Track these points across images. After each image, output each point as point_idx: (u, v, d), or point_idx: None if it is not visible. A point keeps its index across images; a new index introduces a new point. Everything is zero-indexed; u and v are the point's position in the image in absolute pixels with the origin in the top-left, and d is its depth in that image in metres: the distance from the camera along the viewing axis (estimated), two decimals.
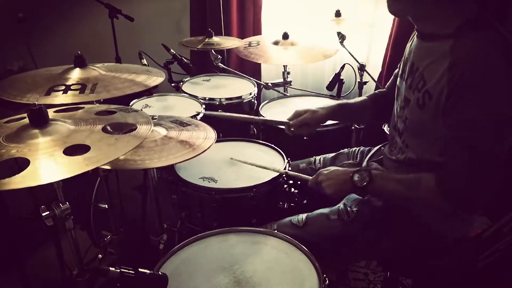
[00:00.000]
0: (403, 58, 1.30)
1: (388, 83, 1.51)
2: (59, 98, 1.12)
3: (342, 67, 2.14)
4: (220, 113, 1.71)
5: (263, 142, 1.73)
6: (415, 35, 1.21)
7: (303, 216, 1.35)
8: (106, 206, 1.54)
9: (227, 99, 2.07)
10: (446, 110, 1.04)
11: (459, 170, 1.05)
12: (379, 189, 1.18)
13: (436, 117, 1.07)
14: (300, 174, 1.40)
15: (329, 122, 1.83)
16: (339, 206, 1.35)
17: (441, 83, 1.04)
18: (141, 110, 1.17)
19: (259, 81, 2.28)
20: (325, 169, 1.29)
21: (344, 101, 1.57)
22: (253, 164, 1.50)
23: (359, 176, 1.18)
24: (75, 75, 1.24)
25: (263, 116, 1.96)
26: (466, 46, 1.01)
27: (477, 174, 1.03)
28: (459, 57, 1.01)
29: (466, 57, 0.99)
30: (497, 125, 0.99)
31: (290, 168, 1.52)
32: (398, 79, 1.29)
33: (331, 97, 2.16)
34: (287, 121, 1.53)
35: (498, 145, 1.01)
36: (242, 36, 2.70)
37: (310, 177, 1.33)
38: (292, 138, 1.70)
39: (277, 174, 1.45)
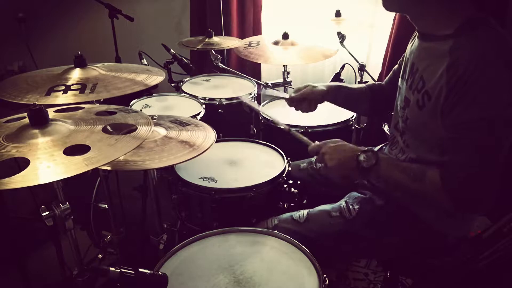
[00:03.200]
0: (404, 58, 1.30)
1: (386, 78, 1.51)
2: (59, 98, 1.12)
3: (342, 67, 2.14)
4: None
5: (263, 142, 1.73)
6: (416, 36, 1.21)
7: (304, 212, 1.35)
8: (106, 206, 1.54)
9: (227, 99, 2.07)
10: (444, 111, 1.04)
11: (459, 170, 1.04)
12: (383, 174, 1.15)
13: (435, 118, 1.07)
14: (303, 137, 1.34)
15: (329, 122, 1.84)
16: (340, 204, 1.35)
17: (440, 84, 1.04)
18: (141, 110, 1.17)
19: (259, 81, 2.28)
20: (331, 140, 1.23)
21: (343, 84, 1.56)
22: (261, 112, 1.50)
23: (365, 157, 1.15)
24: (75, 75, 1.24)
25: (262, 116, 1.96)
26: (465, 47, 1.01)
27: (478, 175, 1.03)
28: (458, 58, 1.01)
29: (465, 58, 0.99)
30: (497, 125, 0.99)
31: (290, 168, 1.52)
32: (400, 79, 1.29)
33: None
34: (288, 96, 1.53)
35: (499, 145, 1.01)
36: (242, 36, 2.70)
37: (312, 143, 1.27)
38: (292, 138, 1.70)
39: (276, 175, 1.45)
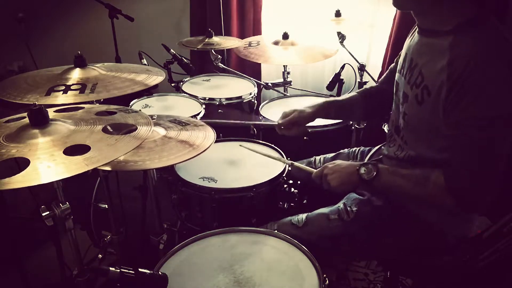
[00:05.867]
0: (401, 54, 1.30)
1: (382, 77, 1.51)
2: (59, 98, 1.12)
3: (342, 67, 2.14)
4: (216, 121, 1.64)
5: (263, 142, 1.73)
6: (415, 31, 1.21)
7: (303, 216, 1.35)
8: (106, 206, 1.54)
9: (227, 99, 2.07)
10: (447, 108, 1.04)
11: (460, 168, 1.05)
12: (385, 184, 1.17)
13: (435, 113, 1.07)
14: (305, 166, 1.39)
15: (329, 122, 1.84)
16: (339, 206, 1.35)
17: (440, 79, 1.04)
18: (141, 110, 1.17)
19: (259, 81, 2.28)
20: (330, 162, 1.28)
21: (332, 98, 1.56)
22: (260, 153, 1.48)
23: (365, 169, 1.18)
24: (75, 75, 1.24)
25: (262, 116, 1.97)
26: (466, 43, 1.01)
27: (480, 173, 1.03)
28: (459, 54, 1.01)
29: (466, 54, 0.99)
30: (498, 124, 0.99)
31: (290, 168, 1.52)
32: (397, 74, 1.29)
33: (331, 97, 2.16)
34: (276, 122, 1.51)
35: (500, 143, 1.01)
36: (242, 36, 2.70)
37: (315, 170, 1.31)
38: (292, 138, 1.70)
39: (276, 174, 1.45)
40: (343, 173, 1.22)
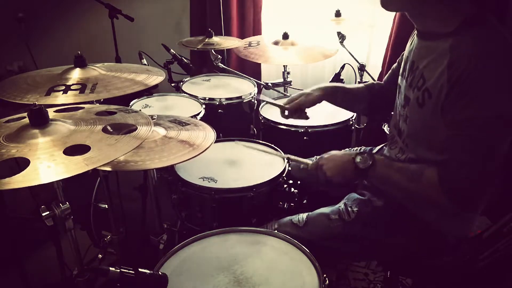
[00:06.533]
0: (403, 57, 1.30)
1: (385, 77, 1.51)
2: (59, 98, 1.12)
3: (342, 67, 2.14)
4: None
5: (263, 142, 1.73)
6: (415, 34, 1.21)
7: (303, 215, 1.35)
8: (106, 206, 1.54)
9: (227, 99, 2.07)
10: (445, 108, 1.04)
11: (460, 169, 1.04)
12: (380, 175, 1.17)
13: (436, 116, 1.07)
14: (301, 159, 1.39)
15: (329, 122, 1.84)
16: (339, 206, 1.35)
17: (441, 81, 1.04)
18: (141, 110, 1.17)
19: (259, 81, 2.28)
20: (326, 153, 1.28)
21: (341, 84, 1.56)
22: (257, 149, 1.51)
23: (361, 158, 1.18)
24: (75, 75, 1.24)
25: (262, 116, 1.97)
26: (466, 44, 1.01)
27: (478, 173, 1.03)
28: (459, 55, 1.01)
29: (466, 55, 0.99)
30: (497, 123, 0.99)
31: (290, 168, 1.53)
32: (399, 77, 1.30)
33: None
34: (282, 105, 1.53)
35: (497, 143, 1.01)
36: (242, 36, 2.70)
37: (311, 162, 1.31)
38: (292, 138, 1.70)
39: (276, 175, 1.45)
40: (339, 162, 1.22)
